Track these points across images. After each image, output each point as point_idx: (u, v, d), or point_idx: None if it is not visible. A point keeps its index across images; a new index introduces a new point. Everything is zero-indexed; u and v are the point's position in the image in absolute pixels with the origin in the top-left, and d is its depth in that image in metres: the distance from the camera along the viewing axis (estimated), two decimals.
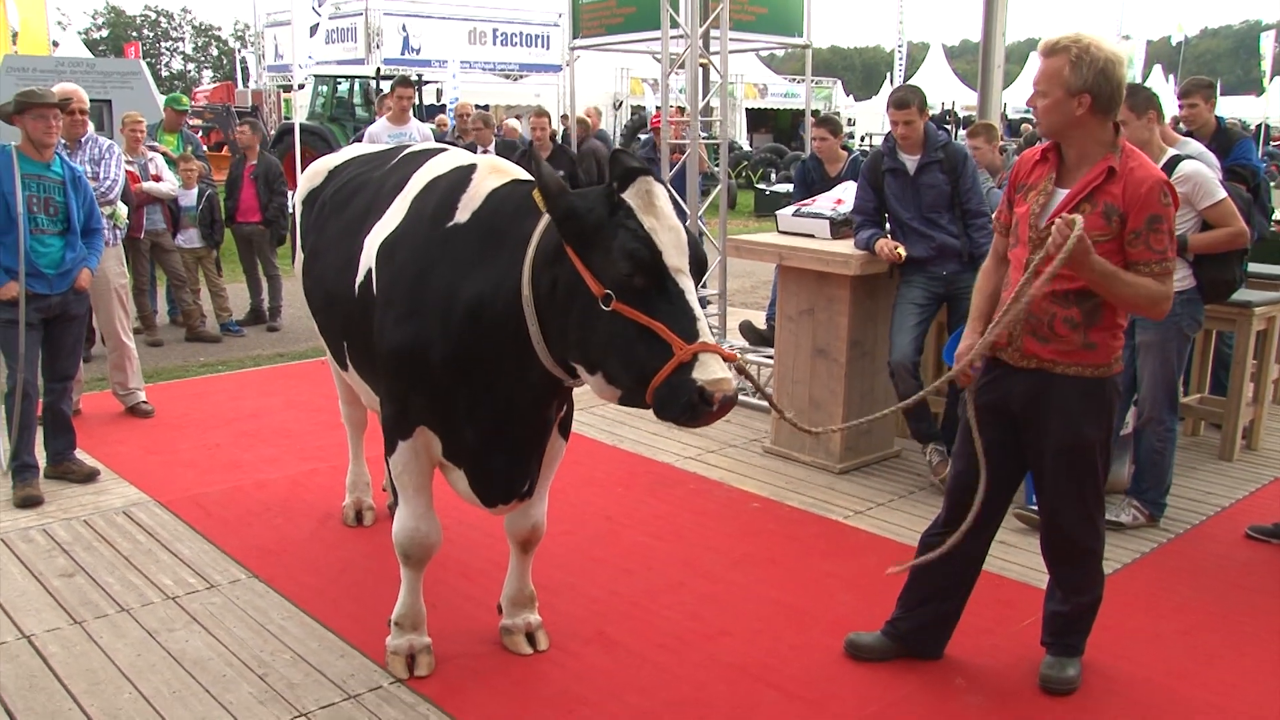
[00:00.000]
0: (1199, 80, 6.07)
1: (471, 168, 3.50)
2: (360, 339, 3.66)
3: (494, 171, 3.43)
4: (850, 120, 30.73)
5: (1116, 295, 3.22)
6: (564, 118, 16.53)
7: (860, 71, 63.39)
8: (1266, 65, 33.97)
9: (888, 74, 40.29)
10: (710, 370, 2.74)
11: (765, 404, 6.56)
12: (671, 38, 7.27)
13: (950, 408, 5.61)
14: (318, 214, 4.28)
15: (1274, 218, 6.13)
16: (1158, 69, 38.29)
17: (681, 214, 3.02)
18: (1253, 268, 5.61)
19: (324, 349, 4.35)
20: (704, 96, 7.09)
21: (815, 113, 8.84)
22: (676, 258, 2.87)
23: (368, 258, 3.60)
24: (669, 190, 3.09)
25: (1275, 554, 4.73)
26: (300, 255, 4.47)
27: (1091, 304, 3.25)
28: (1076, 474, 3.38)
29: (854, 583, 4.41)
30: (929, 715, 3.47)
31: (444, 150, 4.03)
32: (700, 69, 6.98)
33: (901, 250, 5.35)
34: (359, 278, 3.63)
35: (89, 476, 5.44)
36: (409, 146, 4.53)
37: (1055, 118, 3.24)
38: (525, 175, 3.50)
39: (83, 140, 6.31)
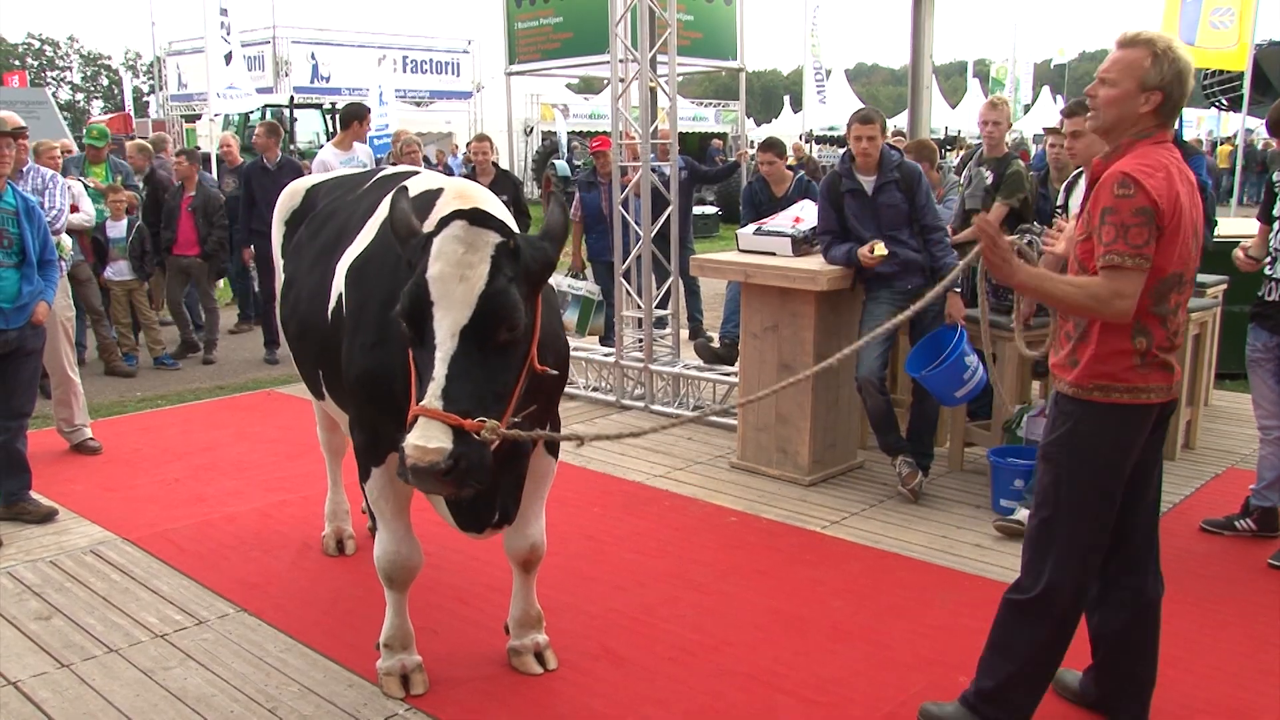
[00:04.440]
0: None
1: (438, 192, 3.48)
2: (335, 366, 3.59)
3: (458, 197, 3.38)
4: (751, 143, 31.15)
5: (1051, 298, 3.06)
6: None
7: (759, 95, 64.43)
8: None
9: (785, 98, 41.06)
10: (415, 435, 2.66)
11: (732, 420, 6.67)
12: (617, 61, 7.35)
13: (915, 420, 5.77)
14: (295, 238, 4.25)
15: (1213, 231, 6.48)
16: (1045, 89, 39.86)
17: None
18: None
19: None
20: (653, 120, 7.19)
21: (764, 139, 9.02)
22: (451, 311, 2.76)
23: (338, 283, 3.57)
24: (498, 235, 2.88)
25: (1229, 545, 4.99)
26: (280, 278, 4.41)
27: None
28: None
29: (843, 590, 4.51)
30: None
31: (418, 173, 4.03)
32: (650, 92, 7.08)
33: (880, 245, 5.44)
34: (331, 304, 3.60)
35: (47, 516, 5.25)
36: (383, 169, 4.51)
37: (1118, 111, 3.00)
38: (491, 201, 3.49)
39: (24, 170, 6.13)
